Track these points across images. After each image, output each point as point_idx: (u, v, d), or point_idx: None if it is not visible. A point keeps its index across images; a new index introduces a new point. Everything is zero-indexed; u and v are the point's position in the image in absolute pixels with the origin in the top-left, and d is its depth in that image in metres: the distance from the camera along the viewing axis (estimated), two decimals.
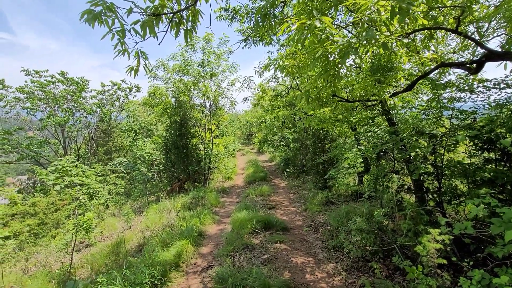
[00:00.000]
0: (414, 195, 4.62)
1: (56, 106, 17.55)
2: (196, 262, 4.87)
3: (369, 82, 4.59)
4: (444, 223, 2.78)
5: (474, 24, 3.63)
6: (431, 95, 4.20)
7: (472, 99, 4.01)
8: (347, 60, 2.62)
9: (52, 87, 17.51)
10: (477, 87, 4.04)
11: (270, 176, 12.85)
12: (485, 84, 4.03)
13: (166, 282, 4.13)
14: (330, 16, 3.71)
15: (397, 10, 2.14)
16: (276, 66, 4.34)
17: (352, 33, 4.23)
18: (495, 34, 4.14)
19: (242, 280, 3.58)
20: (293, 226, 6.14)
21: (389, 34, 2.44)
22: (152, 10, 2.88)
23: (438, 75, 4.58)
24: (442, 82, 4.24)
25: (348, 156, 5.87)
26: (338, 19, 5.74)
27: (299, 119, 12.20)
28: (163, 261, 4.50)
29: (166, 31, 3.23)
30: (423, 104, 5.00)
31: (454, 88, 4.23)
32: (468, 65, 3.86)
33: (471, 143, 3.61)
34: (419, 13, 3.39)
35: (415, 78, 4.42)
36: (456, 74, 4.79)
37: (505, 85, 3.35)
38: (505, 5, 3.19)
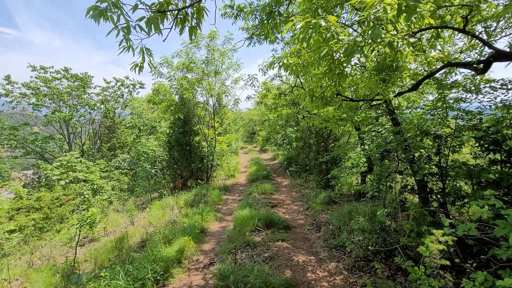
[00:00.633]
0: (417, 196, 4.60)
1: (61, 102, 17.69)
2: (198, 258, 4.90)
3: (374, 81, 4.55)
4: (448, 224, 2.77)
5: (482, 23, 3.57)
6: (437, 95, 4.16)
7: (478, 99, 3.97)
8: (352, 59, 2.60)
9: (57, 83, 17.65)
10: (484, 87, 4.00)
11: (272, 175, 12.85)
12: (491, 84, 3.98)
13: (168, 278, 4.17)
14: (335, 14, 3.68)
15: (403, 8, 2.11)
16: (281, 64, 4.32)
17: (357, 32, 4.19)
18: (504, 34, 4.08)
19: (243, 278, 3.59)
20: (295, 224, 6.14)
21: (395, 33, 2.42)
22: (157, 7, 2.89)
23: (444, 75, 4.53)
24: (448, 82, 4.20)
25: (352, 156, 5.84)
26: (343, 17, 5.71)
27: (303, 118, 12.15)
28: (166, 257, 4.53)
29: (170, 28, 3.23)
30: (428, 104, 4.96)
31: (460, 89, 4.19)
32: (475, 65, 3.81)
33: (477, 144, 3.57)
34: (425, 12, 3.36)
35: (420, 78, 4.38)
36: (462, 74, 4.74)
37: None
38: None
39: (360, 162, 5.13)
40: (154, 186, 13.80)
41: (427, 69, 4.75)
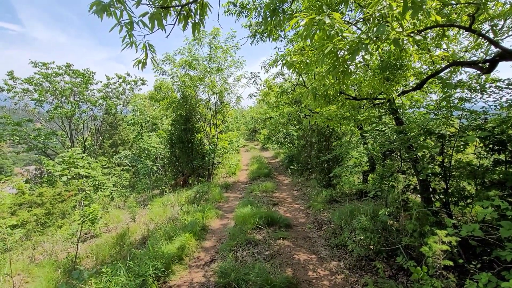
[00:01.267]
0: (419, 196, 4.57)
1: (63, 98, 17.73)
2: (199, 256, 4.91)
3: (377, 80, 4.52)
4: (451, 225, 2.75)
5: (489, 22, 3.52)
6: (441, 95, 4.12)
7: (483, 99, 3.93)
8: (356, 57, 2.57)
9: (59, 79, 17.69)
10: (489, 87, 3.95)
11: (274, 173, 12.84)
12: (497, 84, 3.94)
13: (169, 274, 4.17)
14: (339, 12, 3.64)
15: (409, 4, 2.08)
16: (284, 62, 4.29)
17: (361, 30, 4.16)
18: (510, 33, 4.03)
19: (244, 275, 3.59)
20: (296, 223, 6.14)
21: (400, 30, 2.38)
22: (161, 2, 2.86)
23: (449, 74, 4.49)
24: (453, 81, 4.16)
25: (354, 155, 5.82)
26: (347, 15, 5.66)
27: (305, 116, 12.11)
28: (167, 254, 4.54)
29: (174, 24, 3.20)
30: (432, 103, 4.92)
31: (465, 88, 4.15)
32: (480, 64, 3.77)
33: (481, 144, 3.53)
34: (431, 10, 3.31)
35: (425, 77, 4.34)
36: (467, 73, 4.69)
37: None
38: None
39: (363, 161, 5.10)
40: (156, 183, 13.83)
41: (431, 68, 4.71)
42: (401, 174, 4.40)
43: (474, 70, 4.42)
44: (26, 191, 10.61)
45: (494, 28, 3.47)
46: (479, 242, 2.94)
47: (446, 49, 4.72)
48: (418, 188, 4.45)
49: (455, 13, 3.72)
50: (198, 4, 3.21)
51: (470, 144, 3.60)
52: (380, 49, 4.16)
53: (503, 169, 3.42)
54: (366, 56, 2.37)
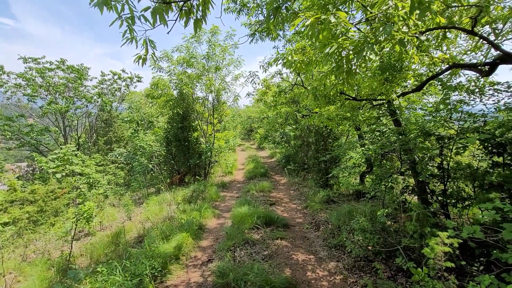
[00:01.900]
0: (417, 197, 4.59)
1: (57, 94, 17.42)
2: (196, 255, 4.86)
3: (377, 80, 4.52)
4: (452, 226, 2.75)
5: (490, 25, 3.54)
6: (441, 97, 4.14)
7: (482, 102, 3.95)
8: (361, 57, 2.55)
9: (52, 74, 17.37)
10: (489, 89, 3.99)
11: (270, 173, 12.82)
12: (496, 87, 3.97)
13: (166, 274, 4.12)
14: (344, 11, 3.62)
15: (416, 4, 2.07)
16: (285, 61, 4.26)
17: (361, 31, 4.14)
18: (509, 36, 4.06)
19: (243, 276, 3.56)
20: (294, 223, 6.12)
21: (406, 30, 2.37)
22: None
23: (449, 77, 4.51)
24: (453, 84, 4.18)
25: (353, 156, 5.83)
26: (350, 15, 5.65)
27: (302, 116, 12.11)
28: (163, 253, 4.48)
29: (175, 20, 3.15)
30: (430, 105, 4.94)
31: (463, 91, 4.18)
32: (480, 67, 3.79)
33: (481, 146, 3.56)
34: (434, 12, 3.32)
35: (425, 79, 4.36)
36: (466, 76, 4.72)
37: None
38: None
39: (362, 162, 5.11)
40: (151, 181, 13.68)
41: (431, 70, 4.72)
42: (400, 175, 4.41)
43: (473, 73, 4.46)
44: (18, 188, 10.39)
45: (496, 31, 3.48)
46: (477, 244, 2.96)
47: (445, 51, 4.74)
48: (416, 189, 4.47)
49: (457, 16, 3.73)
50: (200, 0, 3.16)
51: (470, 146, 3.62)
52: (382, 50, 4.16)
53: (501, 171, 3.45)
54: (371, 56, 2.35)
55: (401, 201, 4.40)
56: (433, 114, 4.46)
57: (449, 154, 3.91)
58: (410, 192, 4.64)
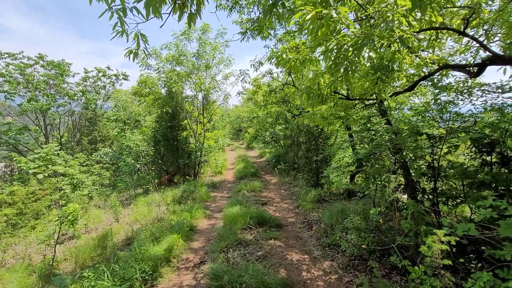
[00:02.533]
0: (407, 195, 4.66)
1: (37, 91, 16.66)
2: (187, 257, 4.72)
3: (370, 80, 4.55)
4: (447, 224, 2.79)
5: (482, 26, 3.63)
6: (432, 97, 4.21)
7: (471, 102, 4.05)
8: (361, 54, 2.53)
9: (31, 70, 16.60)
10: (477, 90, 4.09)
11: (260, 172, 12.77)
12: (483, 88, 4.08)
13: (157, 278, 3.97)
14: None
15: (418, 2, 2.06)
16: (279, 59, 4.21)
17: (361, 28, 4.15)
18: (496, 39, 4.19)
19: (238, 278, 3.47)
20: (286, 222, 6.09)
21: (405, 28, 2.37)
22: None
23: (439, 77, 4.60)
24: (443, 84, 4.26)
25: (346, 155, 5.86)
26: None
27: (292, 116, 12.14)
28: (154, 256, 4.32)
29: (169, 14, 3.03)
30: (421, 105, 5.03)
31: (451, 92, 4.27)
32: (470, 68, 3.89)
33: (472, 146, 3.64)
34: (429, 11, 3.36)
35: (417, 79, 4.42)
36: (454, 77, 4.84)
37: (508, 88, 3.36)
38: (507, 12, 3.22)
39: (354, 162, 5.15)
40: (138, 181, 13.31)
41: (417, 70, 4.81)
42: (392, 174, 4.46)
43: (462, 74, 4.58)
44: None
45: (488, 32, 3.57)
46: (469, 241, 3.02)
47: (435, 53, 4.83)
48: (407, 188, 4.53)
49: (447, 17, 3.81)
50: None
51: (461, 145, 3.70)
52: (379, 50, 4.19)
53: (489, 170, 3.54)
54: (370, 54, 2.33)
55: (394, 199, 4.46)
56: (422, 114, 4.54)
57: (440, 153, 3.98)
58: (401, 190, 4.72)
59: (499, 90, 3.55)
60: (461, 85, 4.47)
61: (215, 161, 14.10)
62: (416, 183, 4.42)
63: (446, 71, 4.55)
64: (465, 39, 4.35)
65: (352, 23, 2.30)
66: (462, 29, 3.40)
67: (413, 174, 3.98)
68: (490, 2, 3.40)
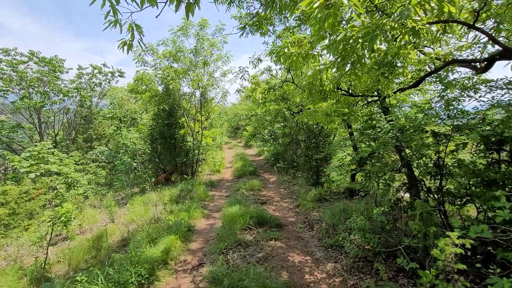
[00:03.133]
0: (409, 194, 4.54)
1: (31, 88, 16.31)
2: (185, 259, 4.57)
3: (374, 76, 4.41)
4: (458, 226, 2.66)
5: (493, 19, 3.50)
6: (434, 94, 4.09)
7: (479, 99, 3.93)
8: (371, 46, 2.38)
9: (25, 67, 16.24)
10: (484, 87, 3.97)
11: (259, 171, 12.63)
12: (490, 84, 3.96)
13: (153, 281, 3.81)
14: None
15: None
16: (281, 54, 4.05)
17: (372, 18, 4.00)
18: (502, 33, 4.06)
19: (238, 281, 3.33)
20: (287, 222, 5.96)
21: (419, 18, 2.22)
22: None
23: (444, 74, 4.47)
24: (450, 79, 4.13)
25: (348, 153, 5.73)
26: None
27: (291, 113, 11.98)
28: (150, 258, 4.16)
29: (165, 3, 2.85)
30: (423, 103, 4.91)
31: (457, 88, 4.14)
32: (477, 64, 3.76)
33: (480, 143, 3.51)
34: (434, 5, 3.21)
35: (422, 75, 4.29)
36: (459, 73, 4.72)
37: None
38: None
39: (357, 160, 5.01)
40: (135, 180, 13.10)
41: (423, 66, 4.67)
42: (397, 172, 4.33)
43: (468, 70, 4.45)
44: None
45: (501, 25, 3.43)
46: (480, 243, 2.90)
47: (439, 48, 4.70)
48: (411, 187, 4.41)
49: (459, 10, 3.66)
50: None
51: (470, 143, 3.58)
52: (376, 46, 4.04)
53: (498, 168, 3.43)
54: (381, 46, 2.19)
55: (398, 199, 4.33)
56: (426, 112, 4.42)
57: (445, 151, 3.86)
58: (404, 190, 4.59)
59: (510, 86, 3.43)
60: (466, 81, 4.36)
61: (213, 160, 13.92)
62: (420, 182, 4.30)
63: (452, 67, 4.42)
64: (471, 34, 4.23)
65: (363, 11, 2.14)
66: (472, 23, 3.26)
67: (419, 172, 3.85)
68: None
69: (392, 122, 3.84)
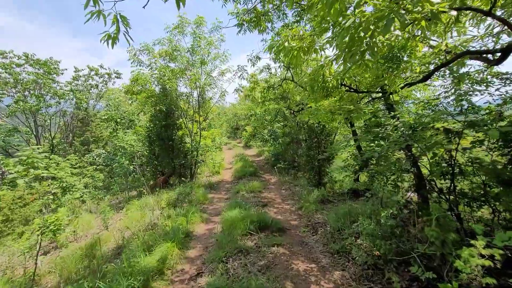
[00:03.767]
0: (417, 195, 4.29)
1: (26, 91, 16.05)
2: (183, 268, 4.30)
3: (381, 70, 4.16)
4: (481, 232, 2.40)
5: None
6: (451, 88, 3.83)
7: (493, 93, 3.67)
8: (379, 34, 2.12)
9: (20, 70, 15.98)
10: (499, 80, 3.72)
11: (259, 171, 12.37)
12: (505, 76, 3.71)
13: None
14: None
15: None
16: (281, 48, 3.80)
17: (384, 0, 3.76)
18: None
19: None
20: (289, 226, 5.69)
21: (438, 1, 1.96)
22: None
23: (455, 67, 4.22)
24: (462, 72, 3.88)
25: (353, 152, 5.47)
26: None
27: (292, 113, 11.73)
28: (145, 268, 3.90)
29: None
30: (433, 98, 4.65)
31: (469, 81, 3.89)
32: (490, 55, 3.51)
33: (499, 140, 3.26)
34: None
35: (433, 68, 4.03)
36: (469, 66, 4.46)
37: None
38: None
39: (363, 160, 4.77)
40: (133, 183, 12.84)
41: (434, 59, 4.42)
42: (407, 173, 4.07)
43: (478, 63, 4.20)
44: None
45: None
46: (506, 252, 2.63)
47: (440, 39, 4.43)
48: (420, 187, 4.15)
49: None
50: None
51: (487, 139, 3.32)
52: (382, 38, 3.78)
53: None
54: (395, 32, 1.93)
55: (407, 201, 4.08)
56: (433, 108, 4.18)
57: (457, 148, 3.60)
58: (412, 190, 4.34)
59: None
60: (476, 75, 4.11)
61: (212, 161, 13.66)
62: (430, 181, 4.04)
63: (462, 60, 4.16)
64: (483, 25, 3.98)
65: None
66: (488, 10, 3.00)
67: (431, 172, 3.59)
68: None
69: (402, 120, 3.57)
